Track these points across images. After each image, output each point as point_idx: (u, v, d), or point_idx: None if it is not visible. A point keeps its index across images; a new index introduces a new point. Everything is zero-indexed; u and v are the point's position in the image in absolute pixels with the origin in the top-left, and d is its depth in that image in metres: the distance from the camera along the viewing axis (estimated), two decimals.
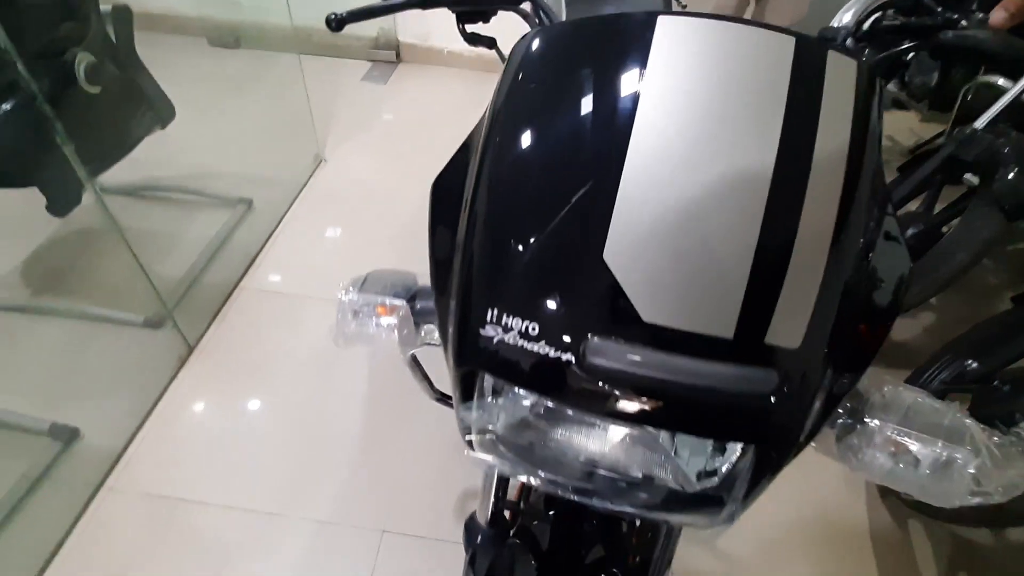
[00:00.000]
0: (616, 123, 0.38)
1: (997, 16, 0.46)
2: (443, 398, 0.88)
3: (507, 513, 0.68)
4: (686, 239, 0.36)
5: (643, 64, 0.39)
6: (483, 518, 0.65)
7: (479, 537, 0.64)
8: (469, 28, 0.66)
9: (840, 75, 0.40)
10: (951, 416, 0.41)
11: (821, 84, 0.39)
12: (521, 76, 0.45)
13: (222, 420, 1.38)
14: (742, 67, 0.39)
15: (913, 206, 1.64)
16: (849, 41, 0.51)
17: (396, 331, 0.53)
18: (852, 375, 0.40)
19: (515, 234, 0.39)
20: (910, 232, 1.56)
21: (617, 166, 0.37)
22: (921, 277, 1.45)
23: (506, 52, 0.69)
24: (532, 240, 0.38)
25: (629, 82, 0.39)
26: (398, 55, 2.90)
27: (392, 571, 1.16)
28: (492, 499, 0.64)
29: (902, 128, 2.68)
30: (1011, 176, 1.28)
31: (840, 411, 0.43)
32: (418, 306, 0.53)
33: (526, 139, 0.42)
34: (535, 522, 0.66)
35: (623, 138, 0.37)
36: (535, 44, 0.46)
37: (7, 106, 1.17)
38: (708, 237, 0.36)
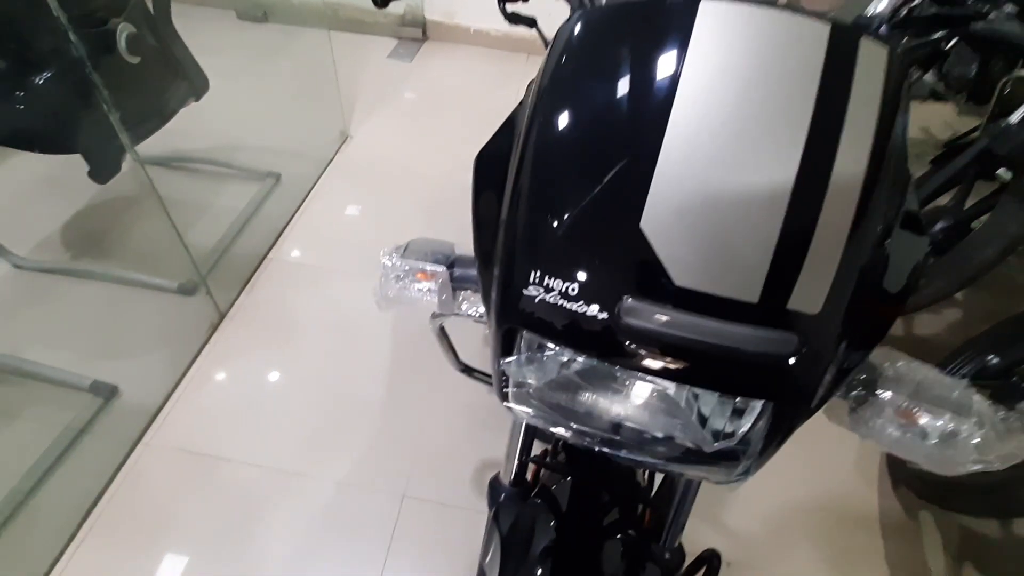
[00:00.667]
0: (656, 103, 0.41)
1: None
2: (467, 369, 0.91)
3: (529, 476, 0.72)
4: (718, 212, 0.38)
5: (683, 48, 0.41)
6: (507, 478, 0.69)
7: (502, 496, 0.68)
8: (510, 8, 0.68)
9: (871, 61, 0.41)
10: (959, 390, 0.44)
11: (852, 69, 0.41)
12: (565, 57, 0.47)
13: (251, 384, 1.44)
14: (778, 52, 0.41)
15: (945, 200, 1.61)
16: (884, 28, 0.51)
17: (436, 295, 0.56)
18: (865, 348, 0.42)
19: (558, 203, 0.41)
20: (940, 226, 1.55)
21: (656, 142, 0.39)
22: (948, 271, 1.45)
23: (546, 31, 0.71)
24: (574, 208, 0.41)
25: (669, 64, 0.41)
26: (424, 32, 2.89)
27: (412, 535, 1.21)
28: (516, 460, 0.68)
29: (937, 120, 2.63)
30: None
31: (854, 382, 0.45)
32: (456, 273, 0.55)
33: (570, 116, 0.44)
34: (555, 485, 0.70)
35: (662, 117, 0.40)
36: (578, 27, 0.48)
37: (55, 72, 1.22)
38: (739, 210, 0.38)
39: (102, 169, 1.35)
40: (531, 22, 0.71)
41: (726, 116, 0.40)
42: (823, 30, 0.41)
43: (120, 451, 1.28)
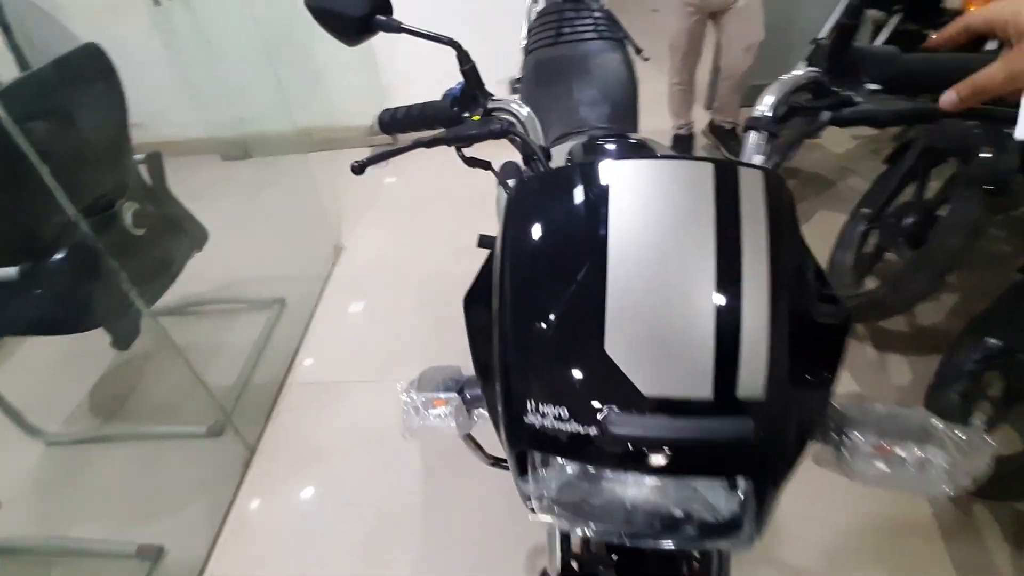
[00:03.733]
0: (595, 250, 0.50)
1: (947, 99, 0.50)
2: (497, 462, 0.96)
3: (575, 564, 0.74)
4: (663, 328, 0.47)
5: (605, 201, 0.52)
6: (553, 572, 0.72)
7: None
8: (467, 153, 0.78)
9: (751, 183, 0.52)
10: (919, 419, 0.51)
11: (737, 192, 0.51)
12: (516, 219, 0.58)
13: (292, 513, 1.46)
14: (678, 191, 0.52)
15: (909, 194, 1.70)
16: (769, 123, 0.63)
17: (453, 419, 0.63)
18: (818, 409, 0.50)
19: (536, 341, 0.50)
20: (909, 220, 1.62)
21: (601, 281, 0.49)
22: (926, 263, 1.50)
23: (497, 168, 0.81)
24: (550, 345, 0.50)
25: (599, 213, 0.52)
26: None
27: None
28: (559, 553, 0.71)
29: None
30: (986, 156, 1.35)
31: (828, 431, 0.52)
32: (467, 395, 0.63)
33: (530, 270, 0.54)
34: (601, 567, 0.72)
35: (602, 260, 0.50)
36: (519, 196, 0.60)
37: (70, 260, 1.32)
38: (679, 324, 0.47)
39: (124, 337, 1.42)
40: (486, 164, 0.81)
41: (652, 251, 0.50)
42: (707, 168, 0.53)
43: None
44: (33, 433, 1.62)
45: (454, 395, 0.62)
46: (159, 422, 1.66)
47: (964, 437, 0.49)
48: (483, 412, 0.65)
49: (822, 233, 1.91)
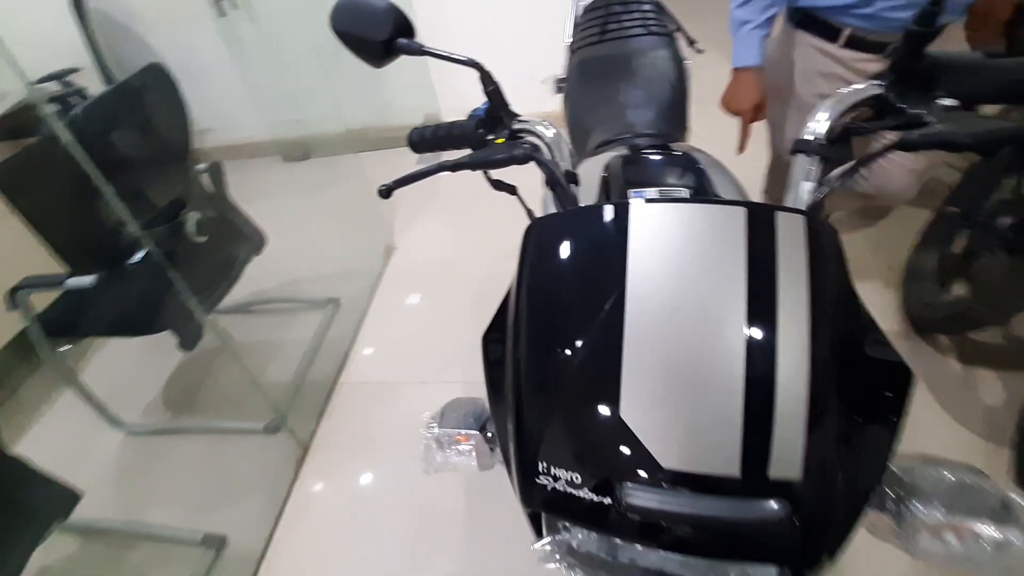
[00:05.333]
0: (612, 301, 0.46)
1: None
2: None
3: None
4: (686, 392, 0.42)
5: (624, 245, 0.47)
6: None
7: None
8: (494, 175, 0.75)
9: (790, 228, 0.45)
10: (997, 494, 0.43)
11: (774, 240, 0.44)
12: (531, 261, 0.55)
13: (343, 510, 1.51)
14: (707, 238, 0.46)
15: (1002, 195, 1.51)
16: (820, 147, 0.54)
17: (475, 457, 0.62)
18: (876, 471, 0.43)
19: (550, 399, 0.47)
20: (1007, 221, 1.42)
21: (618, 338, 0.44)
22: None
23: (525, 196, 0.77)
24: (563, 403, 0.46)
25: (617, 262, 0.47)
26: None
27: None
28: None
29: None
30: None
31: (887, 498, 0.45)
32: (489, 432, 0.61)
33: (544, 319, 0.51)
34: None
35: (619, 313, 0.45)
36: (537, 235, 0.56)
37: (143, 273, 1.42)
38: (703, 389, 0.42)
39: (189, 339, 1.52)
40: (512, 189, 0.78)
41: (675, 305, 0.44)
42: (739, 213, 0.46)
43: None
44: (115, 424, 1.77)
45: (476, 432, 0.61)
46: (223, 417, 1.77)
47: None
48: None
49: (904, 232, 1.74)
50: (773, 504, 0.39)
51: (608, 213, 0.51)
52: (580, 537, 0.48)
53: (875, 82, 0.57)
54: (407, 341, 1.99)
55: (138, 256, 1.44)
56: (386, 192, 0.72)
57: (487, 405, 0.64)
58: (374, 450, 1.64)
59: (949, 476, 0.45)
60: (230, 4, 2.54)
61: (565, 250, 0.53)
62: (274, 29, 2.61)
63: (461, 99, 2.99)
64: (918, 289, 1.66)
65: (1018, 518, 0.42)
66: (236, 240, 1.72)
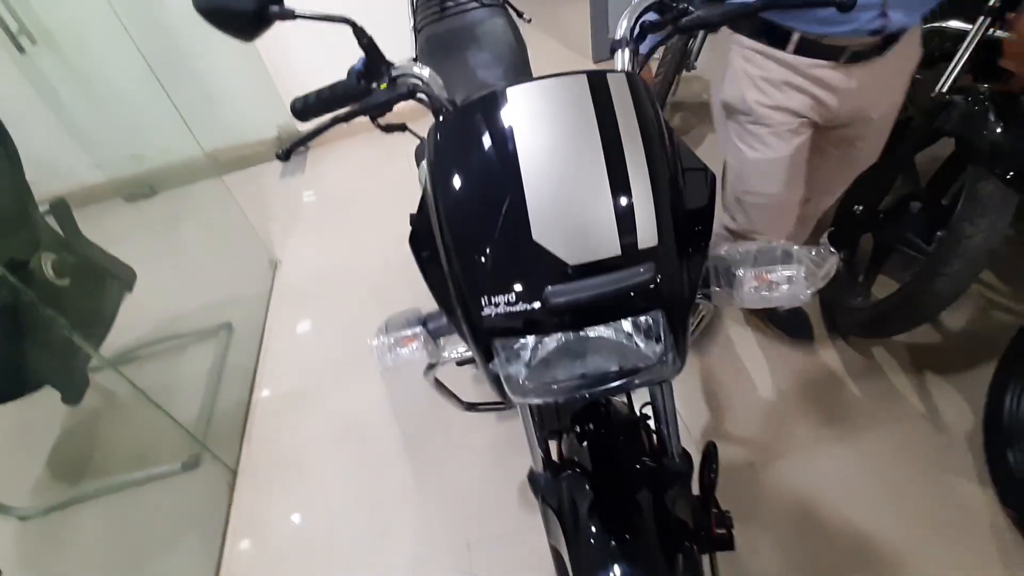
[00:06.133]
0: (510, 163, 0.60)
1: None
2: (471, 406, 1.04)
3: (555, 456, 0.85)
4: (574, 211, 0.58)
5: (513, 119, 0.62)
6: (538, 466, 0.81)
7: (541, 481, 0.80)
8: (382, 122, 0.83)
9: (618, 84, 0.65)
10: (783, 247, 0.65)
11: (609, 94, 0.63)
12: (440, 151, 0.67)
13: (289, 524, 1.49)
14: (565, 98, 0.63)
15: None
16: (629, 43, 0.75)
17: (423, 349, 0.72)
18: (701, 248, 0.63)
19: (477, 248, 0.60)
20: (915, 210, 1.41)
21: (520, 188, 0.59)
22: (956, 254, 1.21)
23: (416, 129, 0.87)
24: (488, 247, 0.59)
25: (507, 131, 0.62)
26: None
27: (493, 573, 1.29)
28: (539, 448, 0.81)
29: None
30: (1005, 141, 1.12)
31: (719, 273, 0.66)
32: (430, 327, 0.72)
33: (459, 191, 0.64)
34: (576, 455, 0.83)
35: (516, 171, 0.60)
36: (440, 131, 0.69)
37: (1, 328, 1.28)
38: (585, 205, 0.58)
39: (73, 390, 1.39)
40: (402, 127, 0.87)
41: (555, 154, 0.61)
42: (583, 79, 0.64)
43: None
44: (2, 511, 1.56)
45: (419, 328, 0.71)
46: (132, 469, 1.64)
47: (815, 253, 0.63)
48: (448, 340, 0.75)
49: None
50: (645, 267, 0.55)
51: (490, 98, 0.64)
52: (524, 351, 0.60)
53: None
54: (311, 350, 1.98)
55: None
56: (285, 155, 0.77)
57: (421, 311, 0.73)
58: (306, 457, 1.63)
59: (750, 246, 0.66)
60: (27, 40, 2.28)
61: (465, 135, 0.65)
62: (87, 58, 2.39)
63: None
64: (833, 295, 1.61)
65: (799, 259, 0.64)
66: (103, 279, 1.59)
